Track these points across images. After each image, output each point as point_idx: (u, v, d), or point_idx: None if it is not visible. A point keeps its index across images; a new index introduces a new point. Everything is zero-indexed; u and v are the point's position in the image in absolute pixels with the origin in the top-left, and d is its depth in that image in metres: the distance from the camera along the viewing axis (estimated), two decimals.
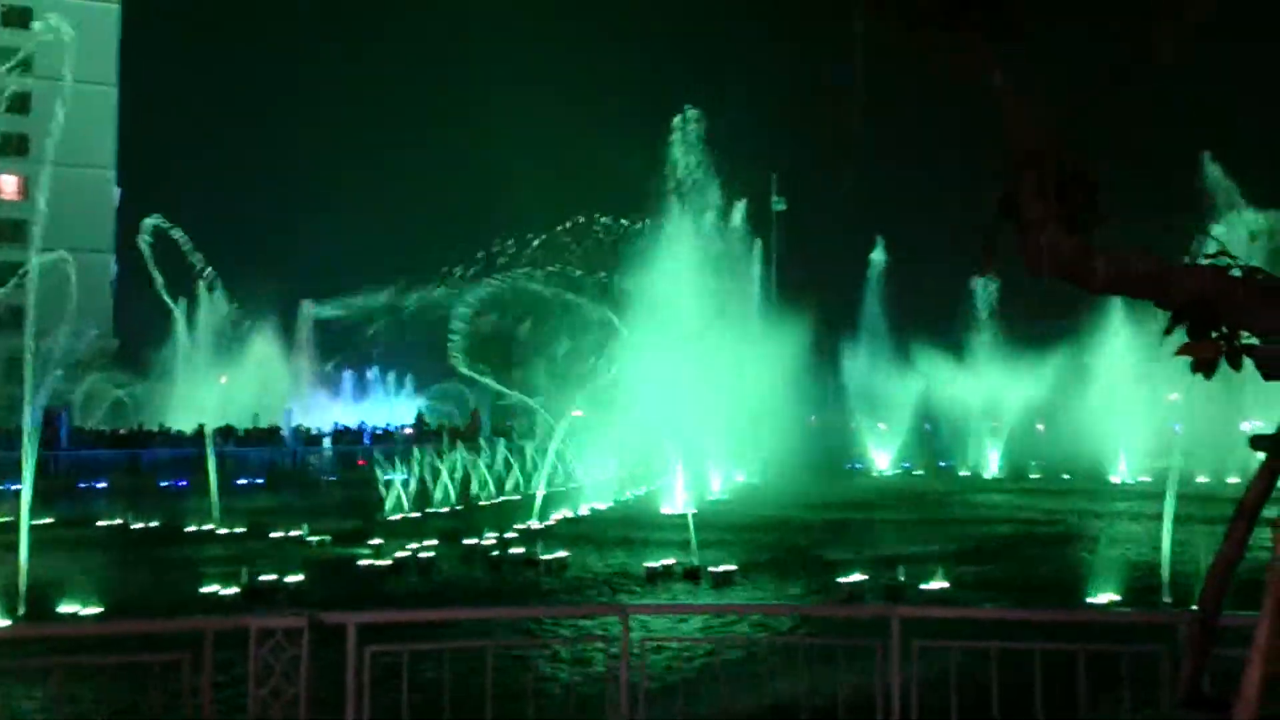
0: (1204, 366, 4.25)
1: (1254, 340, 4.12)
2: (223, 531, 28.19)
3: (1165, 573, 17.50)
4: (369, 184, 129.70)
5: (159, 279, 35.97)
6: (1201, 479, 45.20)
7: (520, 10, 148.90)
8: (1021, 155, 4.12)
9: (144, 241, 36.17)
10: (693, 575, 20.07)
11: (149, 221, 37.12)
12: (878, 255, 70.90)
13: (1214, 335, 4.22)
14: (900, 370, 66.87)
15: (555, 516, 30.96)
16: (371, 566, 21.31)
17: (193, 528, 28.81)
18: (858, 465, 59.17)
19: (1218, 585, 4.17)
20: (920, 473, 55.89)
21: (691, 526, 22.99)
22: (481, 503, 36.57)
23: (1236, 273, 4.11)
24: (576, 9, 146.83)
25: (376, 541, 24.06)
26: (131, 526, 29.11)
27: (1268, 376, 4.13)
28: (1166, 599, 16.19)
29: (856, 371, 70.34)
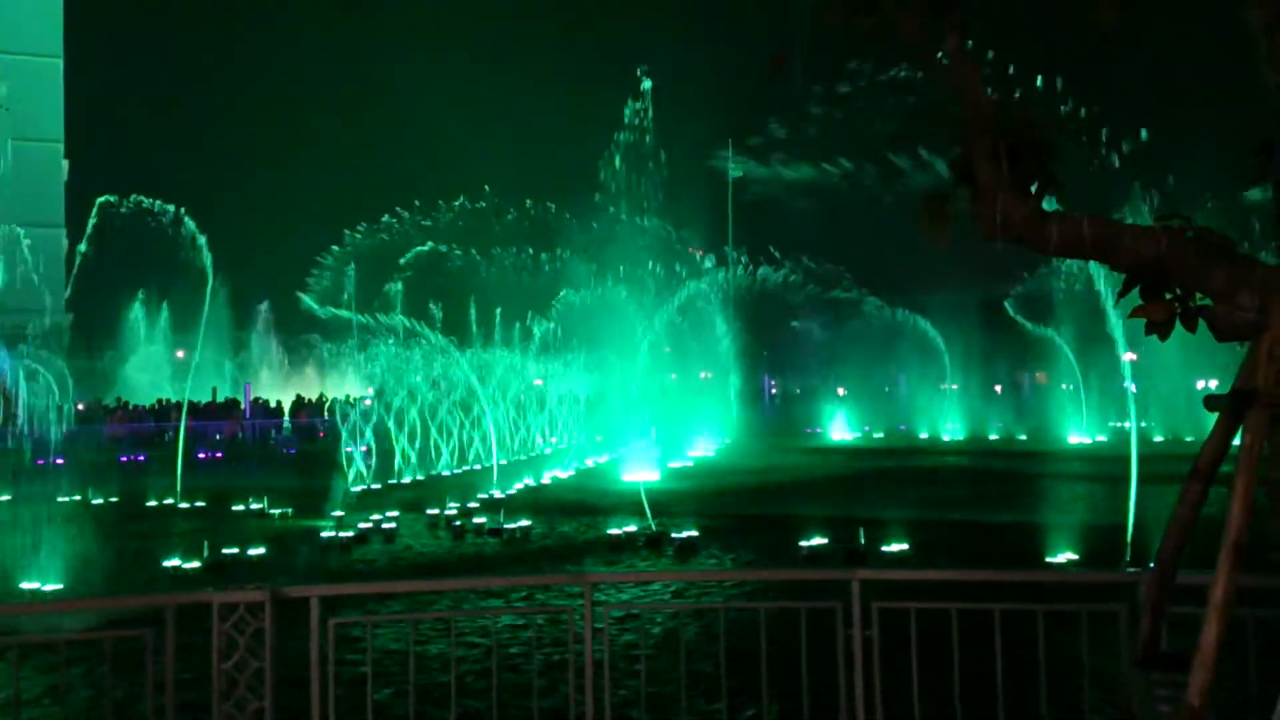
0: (1158, 328, 4.30)
1: (1208, 301, 4.17)
2: (183, 506, 28.01)
3: (1125, 533, 17.78)
4: (323, 149, 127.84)
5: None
6: (1158, 439, 45.82)
7: None
8: (975, 122, 4.14)
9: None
10: (655, 542, 20.15)
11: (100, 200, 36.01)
12: (832, 219, 71.35)
13: (1168, 297, 4.27)
14: (858, 334, 67.22)
15: (517, 485, 30.97)
16: (334, 538, 21.24)
17: (153, 502, 28.63)
18: (817, 430, 59.47)
19: (1174, 544, 4.25)
20: (880, 436, 56.27)
21: (653, 494, 23.07)
22: (444, 473, 36.49)
23: (1189, 235, 4.16)
24: None
25: (339, 513, 23.98)
26: (91, 502, 28.83)
27: (1221, 337, 4.18)
28: (1124, 558, 16.45)
29: (814, 336, 70.65)
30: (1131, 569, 6.65)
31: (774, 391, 76.29)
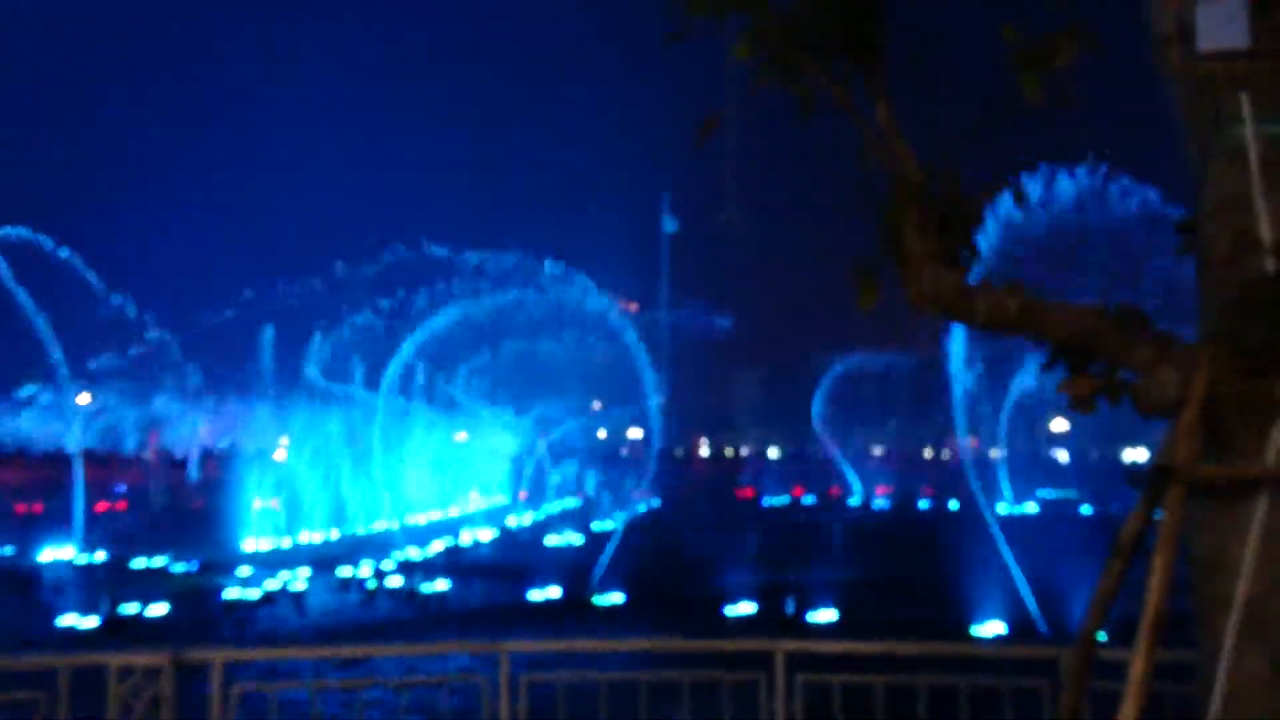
0: (1082, 403, 4.30)
1: (1132, 376, 4.18)
2: (82, 560, 27.09)
3: (1043, 604, 17.87)
4: (225, 190, 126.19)
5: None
6: (1083, 507, 46.32)
7: (414, 28, 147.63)
8: (903, 190, 4.13)
9: None
10: (578, 608, 19.84)
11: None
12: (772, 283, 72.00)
13: (1091, 371, 4.27)
14: (792, 397, 67.62)
15: (436, 545, 30.32)
16: (240, 599, 20.63)
17: (49, 556, 27.61)
18: (748, 492, 59.18)
19: (1095, 619, 4.21)
20: (810, 500, 56.16)
21: (578, 557, 22.77)
22: (357, 530, 35.69)
23: (1112, 310, 4.17)
24: (460, 32, 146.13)
25: (245, 571, 23.34)
26: None
27: (1144, 413, 4.19)
28: (1044, 630, 16.53)
29: (748, 400, 70.87)
30: (1053, 643, 6.64)
31: (705, 452, 76.28)
